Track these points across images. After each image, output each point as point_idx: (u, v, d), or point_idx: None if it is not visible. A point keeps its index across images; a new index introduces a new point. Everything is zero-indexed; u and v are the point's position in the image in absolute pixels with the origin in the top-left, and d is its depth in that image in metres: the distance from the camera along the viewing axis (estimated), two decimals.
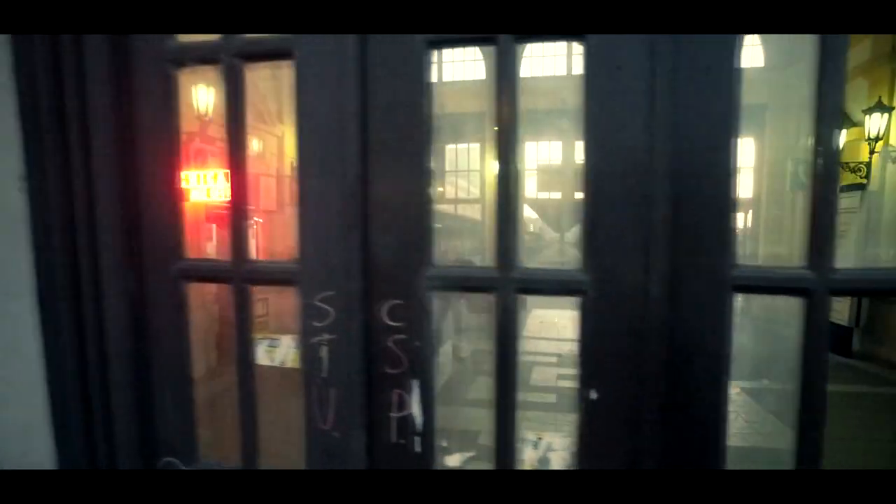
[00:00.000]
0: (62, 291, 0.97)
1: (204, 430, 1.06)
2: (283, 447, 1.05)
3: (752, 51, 9.48)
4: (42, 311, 0.96)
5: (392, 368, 0.90)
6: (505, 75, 0.82)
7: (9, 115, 0.92)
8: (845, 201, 6.33)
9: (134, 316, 0.98)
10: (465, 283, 0.92)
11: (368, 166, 0.87)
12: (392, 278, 0.88)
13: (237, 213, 0.94)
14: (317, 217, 0.90)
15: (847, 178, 6.42)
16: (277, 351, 1.18)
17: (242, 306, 0.95)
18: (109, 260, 0.97)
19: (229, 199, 0.94)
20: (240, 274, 0.94)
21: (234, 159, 0.93)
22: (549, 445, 0.94)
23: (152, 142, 0.97)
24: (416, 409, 0.90)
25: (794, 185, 8.34)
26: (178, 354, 1.00)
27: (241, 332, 0.95)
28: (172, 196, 0.97)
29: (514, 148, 0.84)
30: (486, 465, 0.89)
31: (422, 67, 0.85)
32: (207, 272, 1.02)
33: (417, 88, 0.85)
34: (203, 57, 0.94)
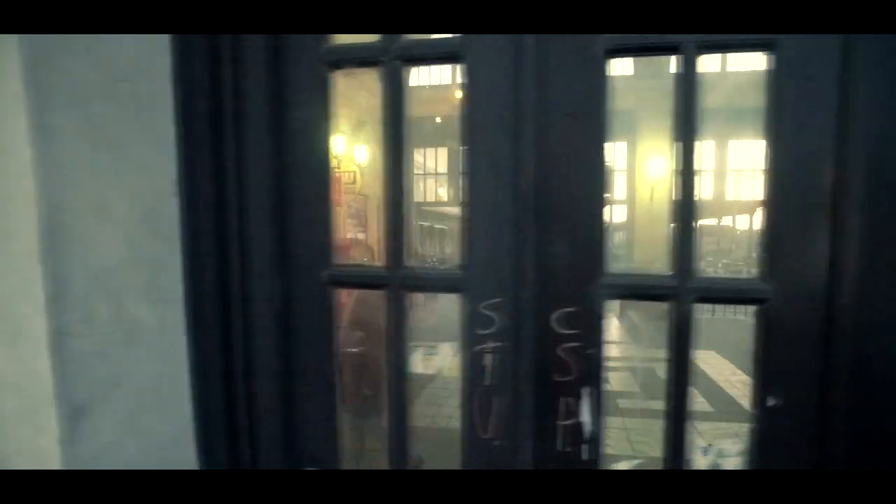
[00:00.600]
0: (211, 298, 0.94)
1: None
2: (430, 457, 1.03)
3: None
4: (190, 318, 0.93)
5: (561, 376, 0.89)
6: (686, 79, 0.82)
7: (167, 121, 0.89)
8: None
9: (280, 323, 0.96)
10: (641, 290, 0.92)
11: (546, 170, 0.86)
12: (565, 285, 0.87)
13: (394, 218, 0.92)
14: (487, 222, 0.89)
15: None
16: (435, 359, 1.16)
17: (398, 313, 0.93)
18: (259, 265, 0.95)
19: (386, 203, 0.92)
20: (397, 280, 0.92)
21: (392, 164, 0.92)
22: (719, 452, 0.94)
23: (304, 145, 0.95)
24: (585, 416, 0.89)
25: None
26: (324, 362, 0.97)
27: (395, 339, 0.94)
28: (323, 200, 0.95)
29: (691, 150, 0.84)
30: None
31: (601, 71, 0.84)
32: (360, 278, 1.01)
33: (596, 91, 0.85)
34: (362, 59, 0.93)
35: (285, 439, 0.98)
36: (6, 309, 0.73)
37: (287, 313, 0.96)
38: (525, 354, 0.88)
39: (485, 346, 0.90)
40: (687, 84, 0.82)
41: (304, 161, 0.95)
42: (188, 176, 0.92)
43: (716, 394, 5.21)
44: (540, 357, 0.89)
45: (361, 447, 2.54)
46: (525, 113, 0.85)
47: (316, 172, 0.95)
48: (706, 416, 4.41)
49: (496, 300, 0.89)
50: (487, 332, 0.90)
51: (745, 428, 0.86)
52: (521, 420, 0.90)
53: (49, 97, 0.72)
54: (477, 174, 0.89)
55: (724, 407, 4.70)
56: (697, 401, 4.76)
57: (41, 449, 0.74)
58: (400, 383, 0.94)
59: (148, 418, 0.88)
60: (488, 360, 0.91)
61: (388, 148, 0.91)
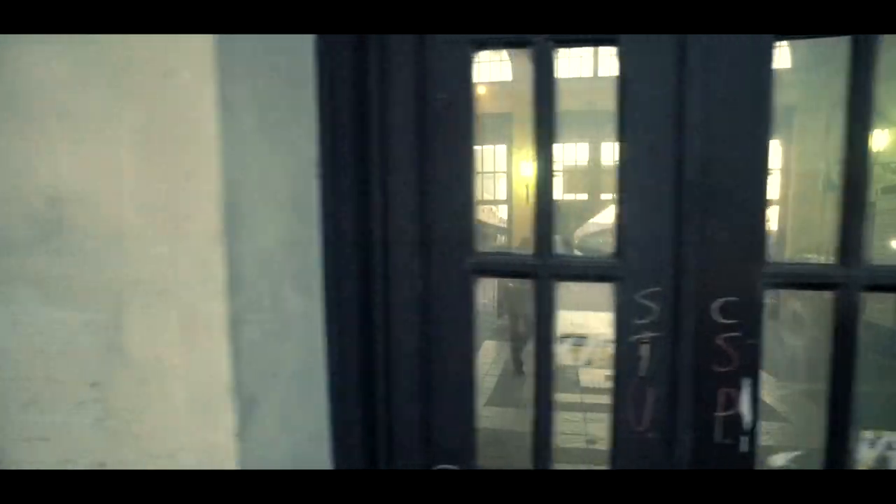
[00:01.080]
0: (350, 287, 0.90)
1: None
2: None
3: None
4: (332, 308, 0.89)
5: (720, 367, 0.87)
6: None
7: (310, 103, 0.85)
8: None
9: (422, 314, 0.92)
10: (804, 279, 0.90)
11: (708, 157, 0.84)
12: (726, 274, 0.86)
13: (543, 203, 0.89)
14: (645, 209, 0.87)
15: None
16: (583, 350, 1.13)
17: (545, 303, 0.90)
18: (402, 253, 0.91)
19: (535, 189, 0.90)
20: (546, 269, 0.90)
21: (541, 147, 0.89)
22: (888, 444, 0.93)
23: (447, 128, 0.91)
24: (744, 407, 0.87)
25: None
26: (464, 355, 0.94)
27: (542, 329, 0.91)
28: (466, 186, 0.92)
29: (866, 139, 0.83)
30: (814, 464, 0.88)
31: (768, 58, 0.83)
32: (505, 266, 0.97)
33: (762, 79, 0.83)
34: (510, 40, 0.90)
35: (422, 437, 0.94)
36: (181, 293, 0.68)
37: (428, 303, 0.93)
38: (684, 344, 0.86)
39: (641, 336, 0.88)
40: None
41: (446, 145, 0.91)
42: (330, 155, 0.88)
43: None
44: (699, 347, 0.87)
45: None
46: (689, 98, 0.84)
47: (457, 156, 0.92)
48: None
49: (654, 289, 0.87)
50: (644, 321, 0.88)
51: None
52: (677, 412, 0.88)
53: (230, 66, 0.68)
54: (633, 162, 0.87)
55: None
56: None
57: (214, 444, 0.69)
58: (546, 375, 0.91)
59: (296, 413, 0.84)
60: (644, 350, 0.88)
61: (539, 133, 0.89)
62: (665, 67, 0.85)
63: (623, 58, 0.86)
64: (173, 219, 0.67)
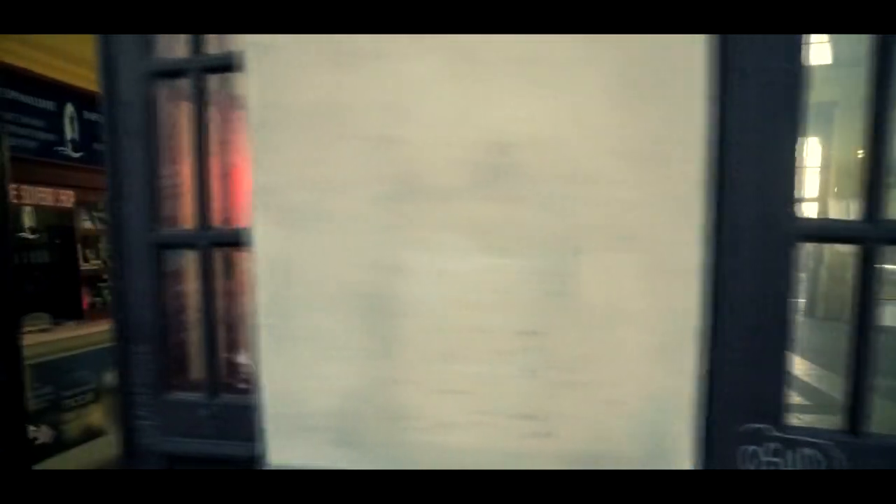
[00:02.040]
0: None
1: None
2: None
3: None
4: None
5: None
6: None
7: None
8: None
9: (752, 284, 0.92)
10: None
11: None
12: None
13: (874, 169, 0.90)
14: None
15: None
16: None
17: (869, 269, 0.91)
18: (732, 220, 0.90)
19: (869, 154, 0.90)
20: (874, 234, 0.90)
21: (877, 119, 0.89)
22: None
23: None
24: None
25: None
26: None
27: (864, 293, 0.92)
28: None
29: None
30: None
31: None
32: (831, 231, 0.98)
33: None
34: None
35: None
36: (648, 238, 0.67)
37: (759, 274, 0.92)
38: None
39: None
40: None
41: None
42: None
43: None
44: None
45: None
46: None
47: None
48: None
49: None
50: None
51: None
52: None
53: None
54: None
55: None
56: None
57: (672, 389, 0.68)
58: (863, 339, 0.92)
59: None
60: None
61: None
62: None
63: None
64: (648, 164, 0.65)
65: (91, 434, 3.28)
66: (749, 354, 0.87)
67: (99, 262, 4.44)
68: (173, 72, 1.25)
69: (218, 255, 1.30)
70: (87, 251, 4.41)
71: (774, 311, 0.86)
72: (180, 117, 1.31)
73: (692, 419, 0.89)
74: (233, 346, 1.46)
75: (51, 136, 4.04)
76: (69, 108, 4.14)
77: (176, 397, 1.28)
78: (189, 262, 1.35)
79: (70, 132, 4.16)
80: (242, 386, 1.32)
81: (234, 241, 1.17)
